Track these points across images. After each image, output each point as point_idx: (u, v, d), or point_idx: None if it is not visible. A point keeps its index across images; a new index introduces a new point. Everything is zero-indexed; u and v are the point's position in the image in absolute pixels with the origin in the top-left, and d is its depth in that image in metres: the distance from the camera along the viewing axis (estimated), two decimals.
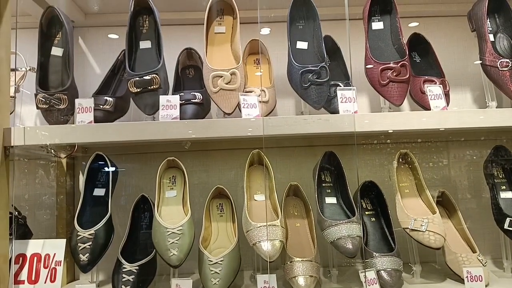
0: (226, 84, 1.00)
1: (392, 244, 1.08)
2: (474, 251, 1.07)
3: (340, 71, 1.22)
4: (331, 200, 1.12)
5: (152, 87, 0.99)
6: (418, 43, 1.24)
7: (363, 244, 1.08)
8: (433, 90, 0.99)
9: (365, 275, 0.94)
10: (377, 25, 1.13)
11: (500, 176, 1.16)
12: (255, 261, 1.12)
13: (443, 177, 1.31)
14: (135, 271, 1.03)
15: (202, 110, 1.07)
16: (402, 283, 1.04)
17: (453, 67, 1.30)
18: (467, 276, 0.95)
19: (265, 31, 1.31)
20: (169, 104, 0.97)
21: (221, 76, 1.00)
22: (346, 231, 0.99)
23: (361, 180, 1.18)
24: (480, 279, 0.95)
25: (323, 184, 1.15)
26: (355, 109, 0.98)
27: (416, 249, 1.10)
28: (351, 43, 1.14)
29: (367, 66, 1.08)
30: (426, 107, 1.05)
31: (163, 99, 0.97)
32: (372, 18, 1.14)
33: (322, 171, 1.17)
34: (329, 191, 1.14)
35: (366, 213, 1.18)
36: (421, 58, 1.25)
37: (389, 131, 1.01)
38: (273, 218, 1.03)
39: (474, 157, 1.32)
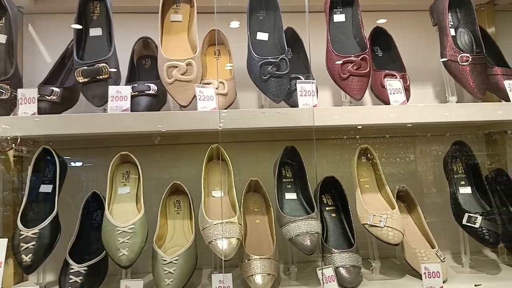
0: (182, 75, 0.95)
1: (352, 240, 1.07)
2: (433, 247, 1.07)
3: (302, 64, 1.19)
4: (291, 196, 1.09)
5: (101, 77, 0.94)
6: (380, 37, 1.23)
7: (322, 240, 1.06)
8: (393, 84, 0.98)
9: (322, 272, 0.92)
10: (339, 17, 1.10)
11: (460, 172, 1.16)
12: (213, 260, 1.09)
13: (408, 172, 1.31)
14: (83, 272, 0.97)
15: (157, 102, 1.02)
16: (361, 280, 1.03)
17: (416, 61, 1.30)
18: (424, 272, 0.94)
19: (235, 24, 1.26)
20: (119, 95, 0.91)
21: (176, 67, 0.95)
22: (305, 228, 0.97)
23: (324, 175, 1.16)
24: (438, 275, 0.94)
25: (284, 180, 1.13)
26: (315, 103, 0.96)
27: (375, 245, 1.09)
28: (314, 36, 1.11)
29: (328, 59, 1.05)
30: (386, 102, 1.04)
31: (112, 89, 0.92)
32: (334, 10, 1.12)
33: (282, 166, 1.14)
34: (290, 186, 1.12)
35: (327, 208, 1.17)
36: (383, 52, 1.23)
37: (358, 127, 0.99)
38: (231, 215, 0.99)
39: (440, 153, 1.33)
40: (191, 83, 0.95)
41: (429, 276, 0.94)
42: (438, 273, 0.94)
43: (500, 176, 1.23)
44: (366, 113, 0.94)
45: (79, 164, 1.22)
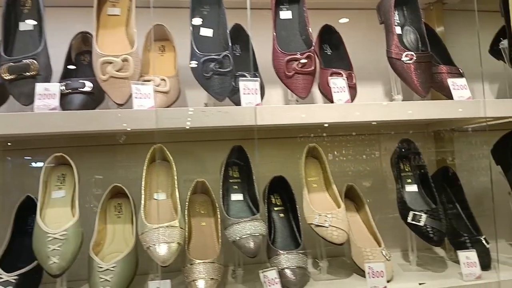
0: (117, 71, 0.90)
1: (299, 241, 1.05)
2: (380, 245, 1.07)
3: (250, 62, 1.16)
4: (237, 197, 1.07)
5: (29, 73, 0.88)
6: (330, 35, 1.22)
7: (269, 241, 1.04)
8: (337, 83, 0.96)
9: (264, 275, 0.89)
10: (285, 14, 1.08)
11: (406, 170, 1.16)
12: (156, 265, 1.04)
13: (372, 170, 1.32)
14: (13, 281, 0.91)
15: (92, 101, 0.97)
16: (307, 280, 1.01)
17: (367, 60, 1.28)
18: (368, 272, 0.94)
19: (197, 21, 1.21)
20: (48, 93, 0.85)
21: (111, 62, 0.90)
22: (249, 230, 0.94)
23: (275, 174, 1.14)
24: (382, 275, 0.94)
25: (231, 180, 1.09)
26: (258, 101, 0.93)
27: (323, 245, 1.07)
28: (263, 33, 1.09)
29: (273, 57, 1.03)
30: (332, 100, 1.02)
31: (40, 87, 0.86)
32: (280, 7, 1.09)
33: (230, 167, 1.11)
34: (236, 187, 1.09)
35: (275, 209, 1.14)
36: (332, 51, 1.22)
37: (325, 124, 0.96)
38: (173, 218, 0.95)
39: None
40: (128, 80, 0.90)
41: (373, 276, 0.93)
42: (382, 272, 0.93)
43: (446, 174, 1.24)
44: (309, 112, 0.92)
45: (14, 166, 1.14)
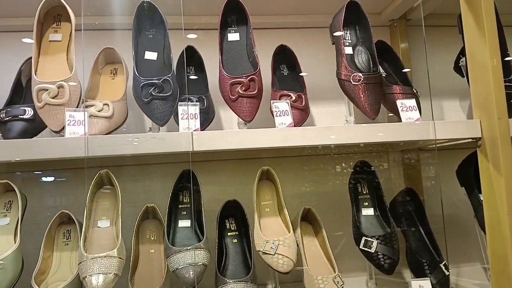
0: (52, 98, 0.89)
1: (251, 268, 1.02)
2: (335, 272, 1.03)
3: (203, 84, 1.15)
4: (185, 223, 1.04)
5: None
6: (285, 55, 1.20)
7: (216, 269, 1.01)
8: (279, 106, 0.94)
9: None
10: (233, 36, 1.07)
11: (364, 192, 1.13)
12: None
13: (327, 191, 1.29)
14: None
15: (32, 128, 0.96)
16: None
17: (324, 81, 1.27)
18: None
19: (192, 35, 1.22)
20: None
21: (47, 89, 0.89)
22: (190, 259, 0.91)
23: (232, 198, 1.12)
24: None
25: (180, 206, 1.07)
26: (197, 127, 0.91)
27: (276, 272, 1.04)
28: (217, 54, 1.07)
29: (220, 80, 1.02)
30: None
31: None
32: (228, 29, 1.08)
33: (179, 191, 1.08)
34: (185, 213, 1.06)
35: (229, 234, 1.12)
36: (288, 71, 1.20)
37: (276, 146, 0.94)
38: (113, 248, 0.93)
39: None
40: (64, 107, 0.89)
41: None
42: None
43: (409, 195, 1.21)
44: (250, 136, 0.90)
45: None
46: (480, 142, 0.98)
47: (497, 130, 0.94)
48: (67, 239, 1.06)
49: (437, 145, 1.20)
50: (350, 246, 1.21)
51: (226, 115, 1.23)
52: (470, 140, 1.02)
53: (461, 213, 1.32)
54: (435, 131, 0.95)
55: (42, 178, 1.16)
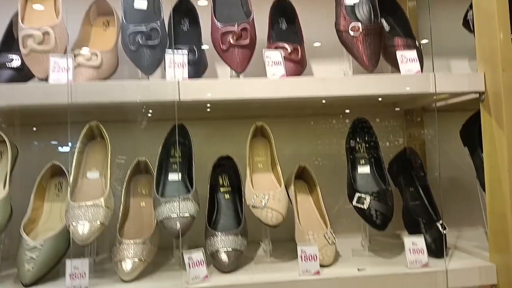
0: (38, 44, 0.87)
1: (242, 222, 1.01)
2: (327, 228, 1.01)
3: (196, 36, 1.11)
4: (175, 176, 1.03)
5: None
6: (284, 8, 1.15)
7: (206, 222, 1.00)
8: (271, 56, 0.90)
9: (189, 256, 0.86)
10: None
11: (361, 150, 1.10)
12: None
13: (327, 151, 1.26)
14: None
15: (20, 76, 0.94)
16: (240, 263, 0.97)
17: (324, 38, 1.21)
18: (301, 256, 0.89)
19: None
20: None
21: (31, 35, 0.87)
22: (177, 210, 0.90)
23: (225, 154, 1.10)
24: (315, 259, 0.88)
25: (171, 160, 1.06)
26: (185, 75, 0.88)
27: (268, 228, 1.03)
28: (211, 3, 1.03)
29: (211, 29, 0.98)
30: None
31: None
32: None
33: (171, 146, 1.07)
34: (175, 166, 1.05)
35: (222, 190, 1.10)
36: (287, 25, 1.15)
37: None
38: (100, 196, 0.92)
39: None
40: (49, 54, 0.87)
41: (305, 259, 0.88)
42: (315, 256, 0.88)
43: (409, 155, 1.17)
44: (239, 86, 0.87)
45: None
46: (483, 96, 0.93)
47: (501, 83, 0.89)
48: (58, 190, 1.06)
49: (439, 103, 1.15)
50: (347, 207, 1.19)
51: (222, 70, 1.19)
52: (474, 96, 0.97)
53: (465, 176, 1.27)
54: (435, 84, 0.90)
55: (34, 131, 1.15)
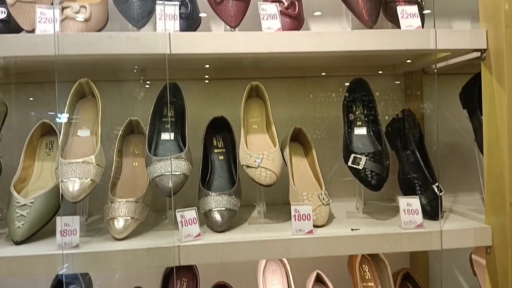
0: None
1: (236, 183, 0.99)
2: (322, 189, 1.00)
3: None
4: (167, 136, 1.01)
5: None
6: None
7: (199, 182, 0.99)
8: (266, 9, 0.87)
9: (181, 214, 0.85)
10: None
11: (358, 111, 1.07)
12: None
13: (324, 114, 1.24)
14: None
15: (7, 29, 0.91)
16: (233, 224, 0.96)
17: None
18: (294, 215, 0.87)
19: None
20: None
21: None
22: (169, 168, 0.89)
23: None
24: (308, 218, 0.87)
25: (164, 119, 1.03)
26: (176, 28, 0.85)
27: (263, 190, 1.02)
28: None
29: None
30: None
31: None
32: None
33: (164, 105, 1.04)
34: (168, 126, 1.03)
35: (216, 151, 1.09)
36: None
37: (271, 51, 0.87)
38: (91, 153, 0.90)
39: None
40: (35, 4, 0.84)
41: (299, 219, 0.87)
42: (308, 215, 0.87)
43: (408, 118, 1.14)
44: (232, 40, 0.84)
45: None
46: (484, 54, 0.90)
47: (503, 40, 0.86)
48: (49, 149, 1.04)
49: (440, 64, 1.12)
50: (342, 171, 1.18)
51: (216, 27, 1.16)
52: (475, 55, 0.94)
53: (463, 141, 1.26)
54: (436, 40, 0.87)
55: (24, 89, 1.12)
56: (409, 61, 1.13)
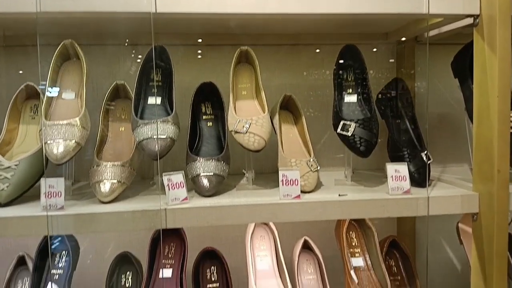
0: None
1: (225, 149, 0.98)
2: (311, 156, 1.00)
3: None
4: (154, 100, 0.99)
5: None
6: None
7: (187, 148, 0.98)
8: None
9: (168, 178, 0.84)
10: None
11: (349, 79, 1.06)
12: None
13: (316, 83, 1.22)
14: None
15: None
16: (221, 189, 0.95)
17: None
18: (282, 180, 0.87)
19: None
20: None
21: None
22: (155, 131, 0.87)
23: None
24: (296, 183, 0.87)
25: (150, 83, 1.01)
26: None
27: (252, 156, 1.01)
28: None
29: None
30: None
31: None
32: None
33: (150, 69, 1.02)
34: (156, 90, 1.01)
35: (204, 117, 1.07)
36: None
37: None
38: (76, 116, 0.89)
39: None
40: None
41: (287, 183, 0.87)
42: (296, 180, 0.87)
43: (399, 86, 1.14)
44: (219, 1, 0.81)
45: None
46: (477, 20, 0.89)
47: (496, 6, 0.84)
48: (34, 113, 1.02)
49: (432, 32, 1.11)
50: (333, 142, 1.17)
51: None
52: (467, 22, 0.92)
53: (454, 112, 1.26)
54: (428, 4, 0.85)
55: (10, 52, 1.09)
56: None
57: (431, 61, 1.21)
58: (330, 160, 1.22)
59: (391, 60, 1.25)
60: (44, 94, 0.92)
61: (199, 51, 1.19)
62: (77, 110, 0.93)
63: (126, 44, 1.13)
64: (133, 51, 1.14)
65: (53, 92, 0.93)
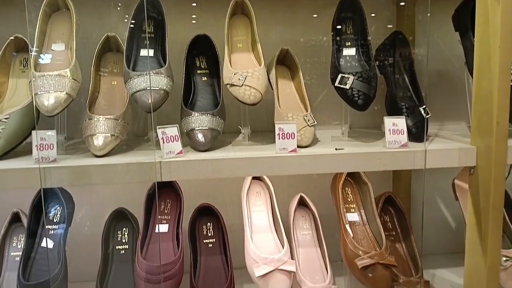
0: None
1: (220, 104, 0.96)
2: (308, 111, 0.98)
3: None
4: (147, 52, 0.96)
5: None
6: None
7: (182, 102, 0.96)
8: None
9: (163, 131, 0.82)
10: None
11: (348, 32, 1.03)
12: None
13: (315, 37, 1.19)
14: None
15: None
16: (217, 145, 0.94)
17: None
18: (278, 133, 0.86)
19: None
20: None
21: None
22: (148, 83, 0.85)
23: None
24: (292, 137, 0.86)
25: (142, 35, 0.98)
26: None
27: (248, 112, 0.99)
28: None
29: None
30: None
31: None
32: None
33: (142, 20, 0.98)
34: (148, 42, 0.98)
35: (198, 72, 1.05)
36: None
37: None
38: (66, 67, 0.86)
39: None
40: None
41: (283, 137, 0.86)
42: (292, 134, 0.86)
43: (398, 40, 1.11)
44: None
45: None
46: None
47: None
48: (24, 66, 0.99)
49: None
50: (331, 99, 1.15)
51: None
52: None
53: (453, 69, 1.23)
54: None
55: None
56: None
57: (431, 17, 1.18)
58: (326, 118, 1.21)
59: (391, 14, 1.21)
60: (33, 45, 0.89)
61: (194, 4, 1.15)
62: (67, 62, 0.90)
63: None
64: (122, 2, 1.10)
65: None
